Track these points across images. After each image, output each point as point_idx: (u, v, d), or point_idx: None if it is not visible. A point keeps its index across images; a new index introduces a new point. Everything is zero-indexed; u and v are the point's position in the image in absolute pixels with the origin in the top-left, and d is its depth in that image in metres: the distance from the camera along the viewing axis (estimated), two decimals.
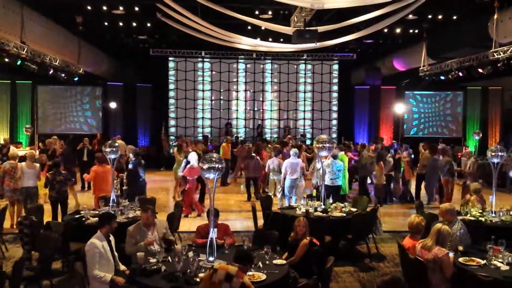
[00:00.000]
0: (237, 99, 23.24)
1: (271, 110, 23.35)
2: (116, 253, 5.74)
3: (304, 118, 23.51)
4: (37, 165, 10.16)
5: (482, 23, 12.48)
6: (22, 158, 10.40)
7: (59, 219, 8.73)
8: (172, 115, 22.94)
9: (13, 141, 20.76)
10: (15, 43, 11.44)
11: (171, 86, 22.90)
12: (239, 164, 16.24)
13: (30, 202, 9.74)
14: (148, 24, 16.17)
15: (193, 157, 11.29)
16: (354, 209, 8.44)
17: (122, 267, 5.74)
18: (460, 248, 5.82)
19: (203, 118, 23.10)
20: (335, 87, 23.46)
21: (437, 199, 12.67)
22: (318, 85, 23.45)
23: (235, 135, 21.64)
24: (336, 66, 23.33)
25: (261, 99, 23.30)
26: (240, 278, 4.30)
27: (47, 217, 8.52)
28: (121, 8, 13.96)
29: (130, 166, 10.73)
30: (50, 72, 13.81)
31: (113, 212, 7.19)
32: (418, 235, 5.81)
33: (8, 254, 8.17)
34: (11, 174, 9.78)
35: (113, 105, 21.42)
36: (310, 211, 8.10)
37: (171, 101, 22.92)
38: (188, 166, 11.16)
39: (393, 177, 12.78)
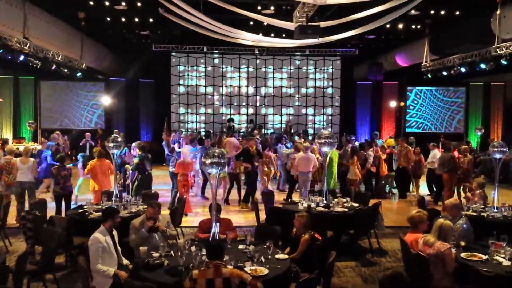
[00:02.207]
0: (239, 95, 23.23)
1: (273, 106, 23.34)
2: (119, 248, 5.78)
3: (306, 114, 23.49)
4: (32, 159, 10.12)
5: (485, 19, 12.45)
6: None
7: (63, 214, 8.78)
8: (174, 110, 22.95)
9: (16, 136, 20.86)
10: (18, 39, 11.47)
11: (174, 82, 22.90)
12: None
13: (29, 197, 9.77)
14: (151, 20, 16.17)
15: (186, 152, 11.41)
16: (356, 204, 8.46)
17: (125, 261, 5.78)
18: (462, 243, 5.83)
19: (205, 113, 23.10)
20: (337, 83, 23.42)
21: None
22: (320, 81, 23.44)
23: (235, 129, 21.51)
24: (338, 62, 23.28)
25: (263, 94, 23.29)
26: (252, 284, 4.48)
27: (50, 212, 8.57)
28: (123, 3, 13.97)
29: (136, 160, 10.76)
30: (53, 68, 13.83)
31: (115, 207, 7.22)
32: (417, 228, 5.83)
33: (11, 248, 8.23)
34: (6, 169, 9.82)
35: (115, 100, 21.45)
36: (312, 206, 8.13)
37: (174, 96, 22.93)
38: (179, 161, 11.21)
39: (373, 172, 12.98)
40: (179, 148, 13.50)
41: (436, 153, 12.99)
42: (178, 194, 10.83)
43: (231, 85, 23.16)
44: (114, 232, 5.77)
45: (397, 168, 13.27)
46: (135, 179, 10.83)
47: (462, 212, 6.71)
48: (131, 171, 11.21)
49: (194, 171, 12.30)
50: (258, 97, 23.27)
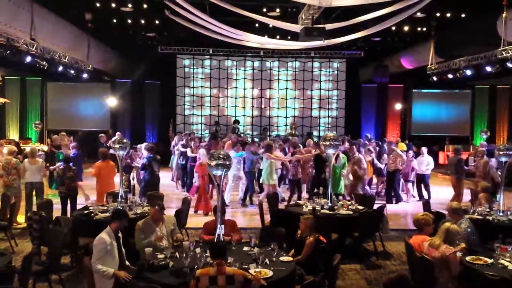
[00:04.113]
0: (244, 97, 23.26)
1: (278, 108, 23.36)
2: (123, 249, 5.77)
3: (310, 116, 23.49)
4: (40, 160, 10.13)
5: (491, 21, 12.41)
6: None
7: (68, 215, 8.81)
8: (179, 112, 23.01)
9: (23, 137, 20.99)
10: (25, 40, 11.54)
11: (179, 83, 22.97)
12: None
13: (37, 197, 9.80)
14: (156, 22, 16.24)
15: (202, 153, 11.43)
16: (360, 207, 8.45)
17: (127, 264, 5.79)
18: (463, 245, 5.76)
19: (210, 115, 23.13)
20: (343, 85, 23.41)
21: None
22: (325, 83, 23.42)
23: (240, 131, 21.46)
24: (343, 64, 23.28)
25: (268, 96, 23.30)
26: (256, 279, 4.53)
27: (56, 212, 8.61)
28: (129, 5, 14.04)
29: (145, 161, 10.81)
30: (60, 69, 13.91)
31: (121, 208, 7.24)
32: (422, 231, 5.83)
33: (17, 248, 8.26)
34: (7, 170, 9.73)
35: (121, 102, 21.54)
36: (317, 208, 8.13)
37: (179, 98, 22.99)
38: (199, 162, 11.28)
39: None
40: (192, 152, 13.14)
41: (425, 158, 12.85)
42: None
43: (236, 87, 23.18)
44: (120, 234, 5.77)
45: (387, 172, 12.98)
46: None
47: (466, 215, 6.69)
48: (141, 171, 11.28)
49: (234, 178, 12.05)
50: (263, 99, 23.29)
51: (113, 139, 10.09)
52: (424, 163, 12.87)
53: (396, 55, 19.98)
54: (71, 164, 9.79)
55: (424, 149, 13.10)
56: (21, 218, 9.85)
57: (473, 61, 14.24)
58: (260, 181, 11.88)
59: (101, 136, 15.79)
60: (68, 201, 9.51)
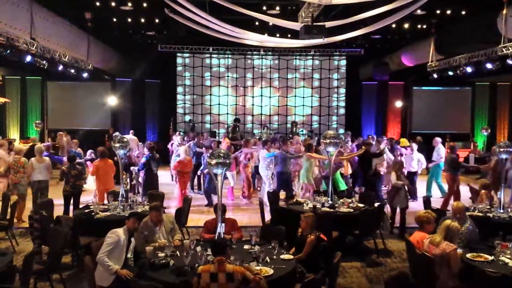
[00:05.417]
0: (244, 95, 23.24)
1: (278, 106, 23.34)
2: (129, 255, 5.75)
3: (311, 114, 23.47)
4: (47, 158, 10.25)
5: (491, 19, 12.38)
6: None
7: (71, 214, 8.83)
8: (180, 111, 23.01)
9: (23, 136, 21.00)
10: (25, 39, 11.52)
11: (179, 82, 22.97)
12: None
13: (41, 196, 9.84)
14: (156, 20, 16.22)
15: (182, 150, 11.45)
16: (361, 205, 8.45)
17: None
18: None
19: (210, 113, 23.13)
20: (343, 83, 23.39)
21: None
22: (325, 81, 23.40)
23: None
24: (343, 62, 23.26)
25: (268, 95, 23.28)
26: (255, 280, 4.54)
27: (57, 212, 8.62)
28: (129, 4, 14.03)
29: (144, 160, 10.85)
30: (60, 68, 13.90)
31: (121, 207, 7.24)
32: (422, 228, 5.85)
33: (18, 248, 8.29)
34: (14, 168, 9.89)
35: (121, 101, 21.54)
36: (317, 206, 8.13)
37: (179, 97, 22.99)
38: (178, 159, 11.39)
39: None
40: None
41: (415, 155, 12.58)
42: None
43: (236, 85, 23.17)
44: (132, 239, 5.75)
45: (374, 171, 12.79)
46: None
47: (466, 212, 6.70)
48: (137, 170, 11.31)
49: (268, 179, 11.94)
50: (263, 97, 23.27)
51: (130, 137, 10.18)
52: (415, 160, 12.58)
53: (397, 53, 19.94)
54: (75, 162, 9.88)
55: (414, 146, 12.87)
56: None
57: (473, 58, 14.19)
58: (300, 181, 11.75)
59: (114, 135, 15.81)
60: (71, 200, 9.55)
